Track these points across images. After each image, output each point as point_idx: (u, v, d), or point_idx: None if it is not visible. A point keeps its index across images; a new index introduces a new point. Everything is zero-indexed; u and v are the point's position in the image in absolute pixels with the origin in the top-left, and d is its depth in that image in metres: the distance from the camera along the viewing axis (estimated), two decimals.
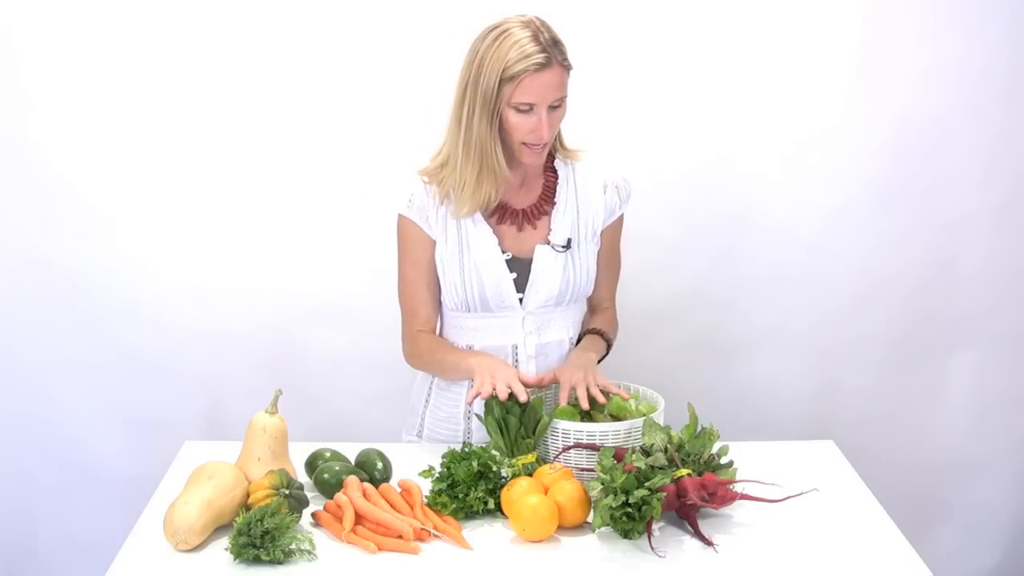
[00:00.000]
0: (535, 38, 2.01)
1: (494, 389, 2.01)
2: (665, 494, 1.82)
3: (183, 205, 2.78)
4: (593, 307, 2.32)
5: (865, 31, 2.74)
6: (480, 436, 2.22)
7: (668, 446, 1.93)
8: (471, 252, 2.18)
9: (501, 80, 2.02)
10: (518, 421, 1.97)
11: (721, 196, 2.82)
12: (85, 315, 2.80)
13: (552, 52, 2.02)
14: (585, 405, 2.02)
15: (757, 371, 2.92)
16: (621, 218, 2.28)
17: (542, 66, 2.01)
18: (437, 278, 2.23)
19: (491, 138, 2.07)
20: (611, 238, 2.27)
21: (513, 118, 2.05)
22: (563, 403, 2.05)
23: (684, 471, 1.87)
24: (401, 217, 2.22)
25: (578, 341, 2.25)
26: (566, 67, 2.05)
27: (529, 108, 2.04)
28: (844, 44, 2.75)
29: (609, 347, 2.27)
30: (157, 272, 2.80)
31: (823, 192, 2.83)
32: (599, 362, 2.22)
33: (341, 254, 2.82)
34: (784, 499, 1.89)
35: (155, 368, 2.84)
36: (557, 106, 2.06)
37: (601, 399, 2.02)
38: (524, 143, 2.08)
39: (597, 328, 2.26)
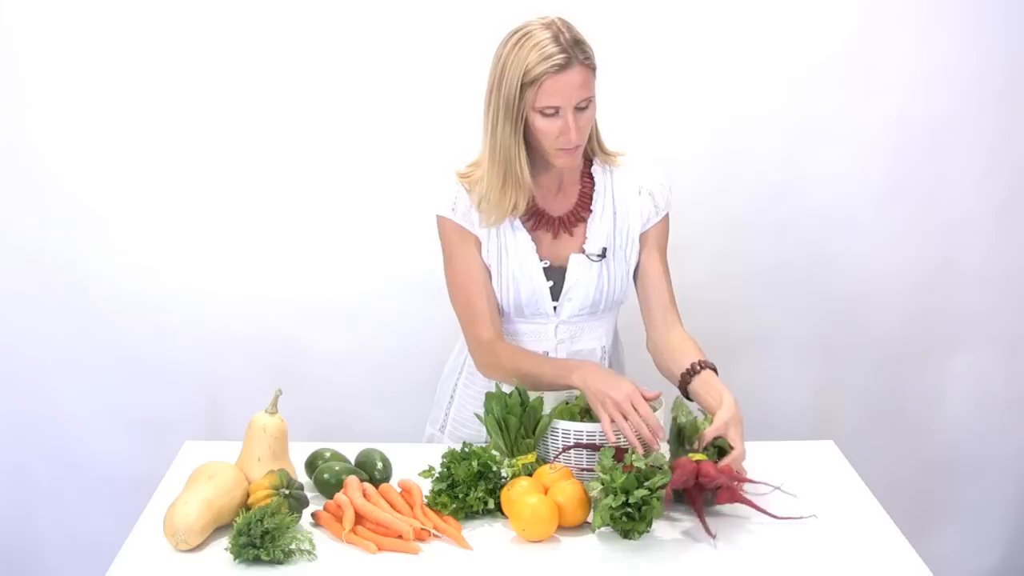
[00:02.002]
0: (555, 39, 1.98)
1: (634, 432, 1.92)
2: (664, 493, 1.81)
3: (184, 206, 2.78)
4: (655, 319, 2.19)
5: (863, 31, 2.75)
6: None
7: (699, 424, 1.96)
8: (509, 258, 2.16)
9: (523, 84, 1.99)
10: (518, 421, 1.97)
11: (721, 195, 2.82)
12: (85, 315, 2.80)
13: (573, 52, 1.98)
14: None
15: (757, 371, 2.92)
16: (665, 223, 2.22)
17: (562, 67, 1.97)
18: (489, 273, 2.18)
19: (515, 145, 2.04)
20: (655, 242, 2.20)
21: (539, 123, 2.02)
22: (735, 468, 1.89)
23: (700, 456, 1.87)
24: (444, 219, 2.16)
25: (687, 376, 2.04)
26: (589, 67, 2.01)
27: (555, 111, 2.00)
28: (842, 44, 2.75)
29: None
30: (157, 272, 2.80)
31: (823, 191, 2.83)
32: None
33: (341, 255, 2.82)
34: (784, 519, 1.86)
35: (155, 368, 2.84)
36: (584, 107, 2.02)
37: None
38: (556, 147, 2.05)
39: (707, 362, 2.05)
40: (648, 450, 1.90)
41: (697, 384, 2.03)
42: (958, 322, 2.92)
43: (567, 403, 2.09)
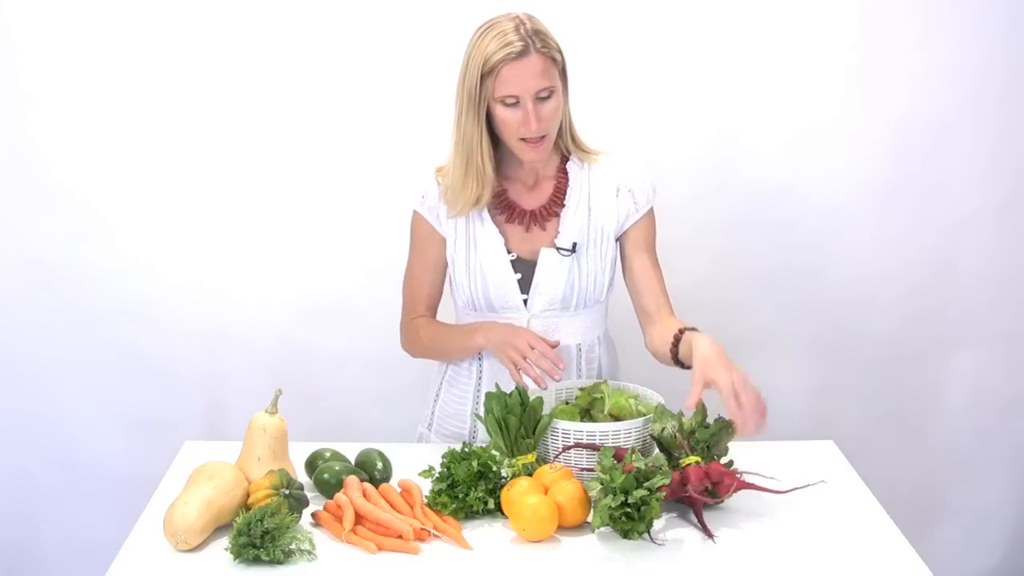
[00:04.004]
0: (516, 29, 2.02)
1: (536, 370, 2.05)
2: (664, 494, 1.82)
3: (184, 205, 2.78)
4: (647, 312, 2.20)
5: (864, 30, 2.74)
6: (486, 434, 2.22)
7: (678, 433, 1.94)
8: (477, 251, 2.19)
9: (483, 74, 2.03)
10: (518, 421, 1.98)
11: (721, 196, 2.82)
12: (85, 315, 2.80)
13: (531, 41, 2.01)
14: (740, 427, 1.86)
15: (757, 371, 2.90)
16: (650, 220, 2.22)
17: (519, 55, 2.00)
18: (442, 276, 2.25)
19: (477, 135, 2.08)
20: (640, 239, 2.21)
21: (501, 112, 2.05)
22: (745, 430, 1.87)
23: (693, 459, 1.87)
24: (415, 214, 2.24)
25: (674, 349, 2.05)
26: (548, 57, 2.04)
27: (516, 101, 2.03)
28: (843, 43, 2.75)
29: None
30: (157, 272, 2.80)
31: (823, 192, 2.83)
32: None
33: (341, 254, 2.82)
34: (790, 490, 1.89)
35: (155, 368, 2.84)
36: (546, 97, 2.05)
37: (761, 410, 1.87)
38: (521, 139, 2.07)
39: (686, 327, 2.05)
40: (551, 378, 2.04)
41: (682, 350, 2.04)
42: (958, 322, 2.92)
43: (567, 403, 2.09)
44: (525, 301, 2.19)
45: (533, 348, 2.06)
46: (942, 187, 2.84)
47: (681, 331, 2.05)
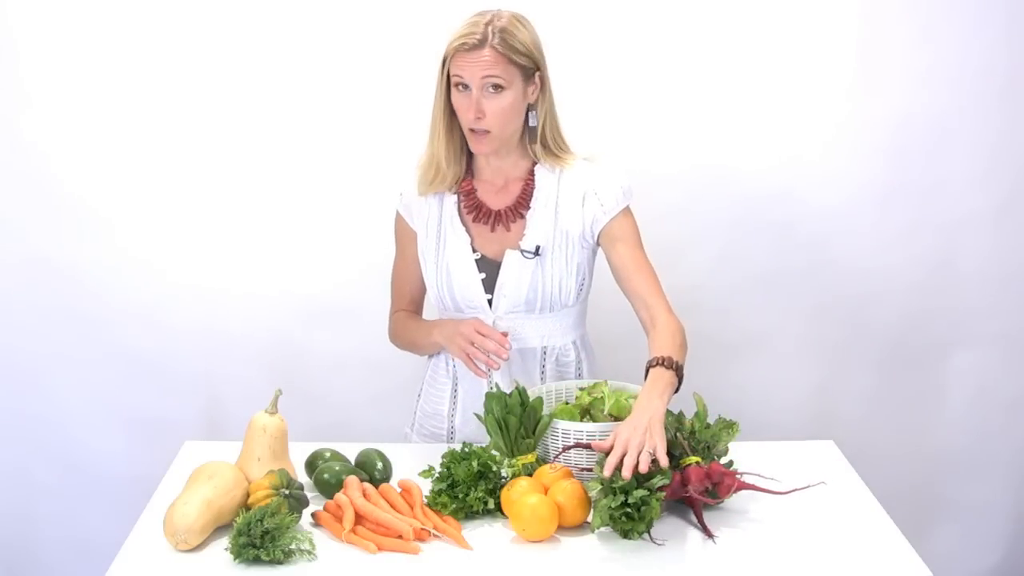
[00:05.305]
0: (485, 24, 2.06)
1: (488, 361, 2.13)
2: (664, 494, 1.82)
3: (183, 204, 2.78)
4: (642, 320, 2.14)
5: (864, 30, 2.74)
6: (463, 435, 2.24)
7: (678, 433, 1.94)
8: (445, 250, 2.21)
9: (445, 59, 2.09)
10: (518, 421, 1.97)
11: (721, 196, 2.82)
12: (85, 315, 2.80)
13: (491, 36, 2.05)
14: (627, 475, 1.77)
15: (757, 371, 2.92)
16: (625, 219, 2.19)
17: (473, 46, 2.05)
18: (421, 272, 2.30)
19: (439, 116, 2.13)
20: (618, 239, 2.17)
21: (455, 97, 2.10)
22: (607, 473, 1.79)
23: (693, 459, 1.87)
24: (397, 213, 2.32)
25: (646, 374, 1.98)
26: (504, 55, 2.05)
27: (466, 88, 2.07)
28: (843, 43, 2.75)
29: (680, 374, 1.98)
30: (157, 272, 2.80)
31: (823, 192, 2.83)
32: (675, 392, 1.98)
33: (341, 254, 2.82)
34: (790, 491, 1.89)
35: (155, 368, 2.84)
36: (495, 92, 2.06)
37: (644, 469, 1.78)
38: (470, 129, 2.10)
39: (661, 356, 1.98)
40: (499, 358, 2.11)
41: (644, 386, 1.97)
42: (958, 322, 2.92)
43: (567, 403, 2.09)
44: (490, 302, 2.20)
45: (480, 333, 2.12)
46: (942, 187, 2.84)
47: (648, 366, 1.98)
